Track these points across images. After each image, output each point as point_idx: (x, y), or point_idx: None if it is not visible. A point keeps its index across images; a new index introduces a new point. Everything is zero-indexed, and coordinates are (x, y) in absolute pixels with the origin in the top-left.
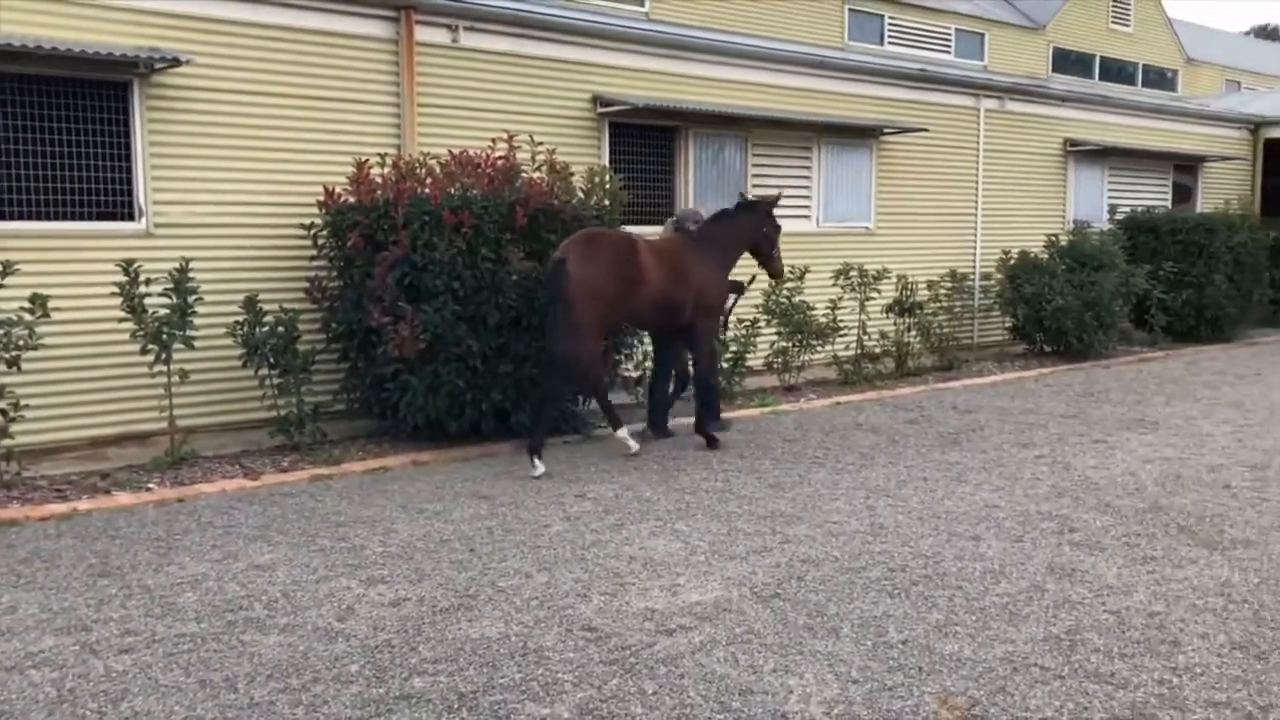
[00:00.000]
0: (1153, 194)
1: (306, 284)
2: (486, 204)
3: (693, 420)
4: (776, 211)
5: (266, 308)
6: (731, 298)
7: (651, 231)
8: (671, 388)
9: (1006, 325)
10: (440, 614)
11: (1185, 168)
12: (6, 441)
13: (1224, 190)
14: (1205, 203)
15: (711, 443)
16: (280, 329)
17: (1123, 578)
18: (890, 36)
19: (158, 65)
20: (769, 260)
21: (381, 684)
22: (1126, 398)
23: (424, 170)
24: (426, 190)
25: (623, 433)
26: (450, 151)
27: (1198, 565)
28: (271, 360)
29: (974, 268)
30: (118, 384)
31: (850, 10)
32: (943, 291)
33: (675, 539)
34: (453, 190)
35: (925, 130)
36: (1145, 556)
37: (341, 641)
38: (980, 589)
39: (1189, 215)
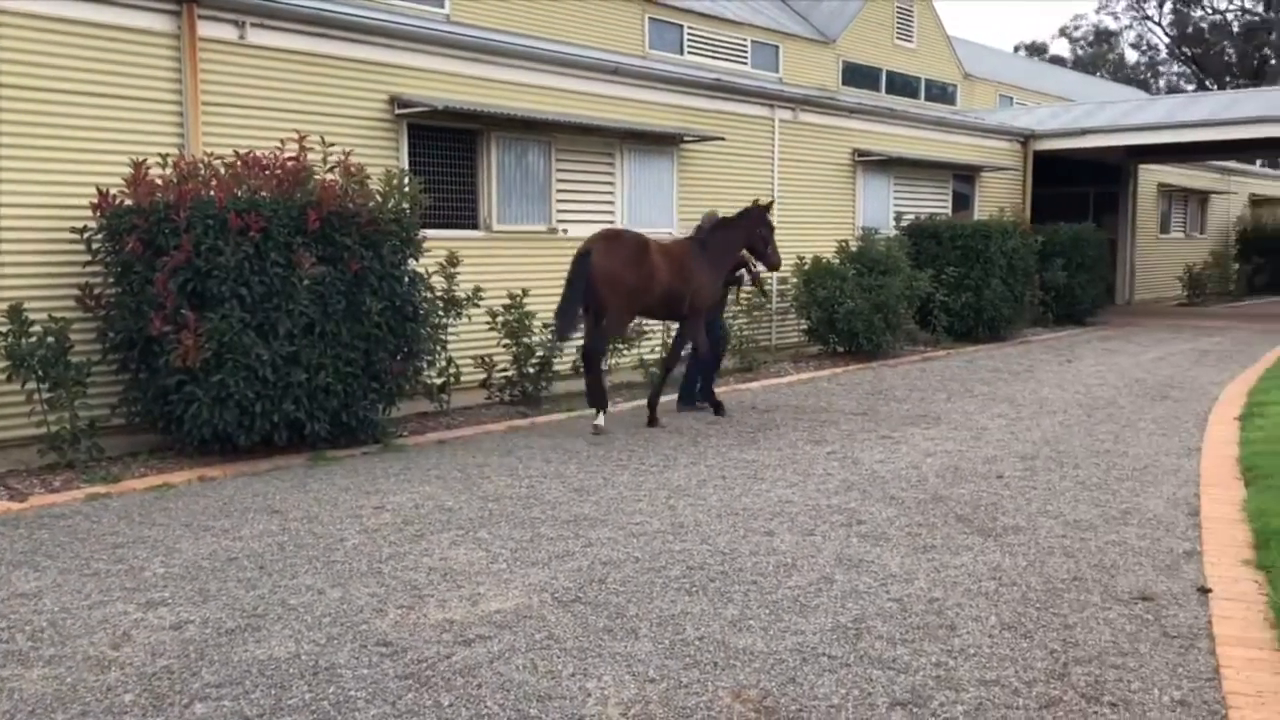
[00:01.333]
0: (935, 202)
1: (78, 291)
2: (276, 206)
3: (675, 398)
4: (580, 217)
5: (34, 316)
6: (733, 289)
7: (455, 235)
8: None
9: (802, 327)
10: (225, 635)
11: (964, 177)
12: None
13: (999, 199)
14: (982, 210)
15: (719, 409)
16: (50, 339)
17: (905, 566)
18: (690, 46)
19: None
20: (764, 256)
21: (159, 712)
22: (911, 395)
23: (209, 171)
24: (211, 192)
25: (600, 419)
26: (237, 153)
27: (973, 552)
28: (40, 373)
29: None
30: None
31: (651, 19)
32: (743, 295)
33: (477, 547)
34: (240, 192)
35: (723, 139)
36: (926, 545)
37: (115, 670)
38: (774, 583)
39: (967, 222)
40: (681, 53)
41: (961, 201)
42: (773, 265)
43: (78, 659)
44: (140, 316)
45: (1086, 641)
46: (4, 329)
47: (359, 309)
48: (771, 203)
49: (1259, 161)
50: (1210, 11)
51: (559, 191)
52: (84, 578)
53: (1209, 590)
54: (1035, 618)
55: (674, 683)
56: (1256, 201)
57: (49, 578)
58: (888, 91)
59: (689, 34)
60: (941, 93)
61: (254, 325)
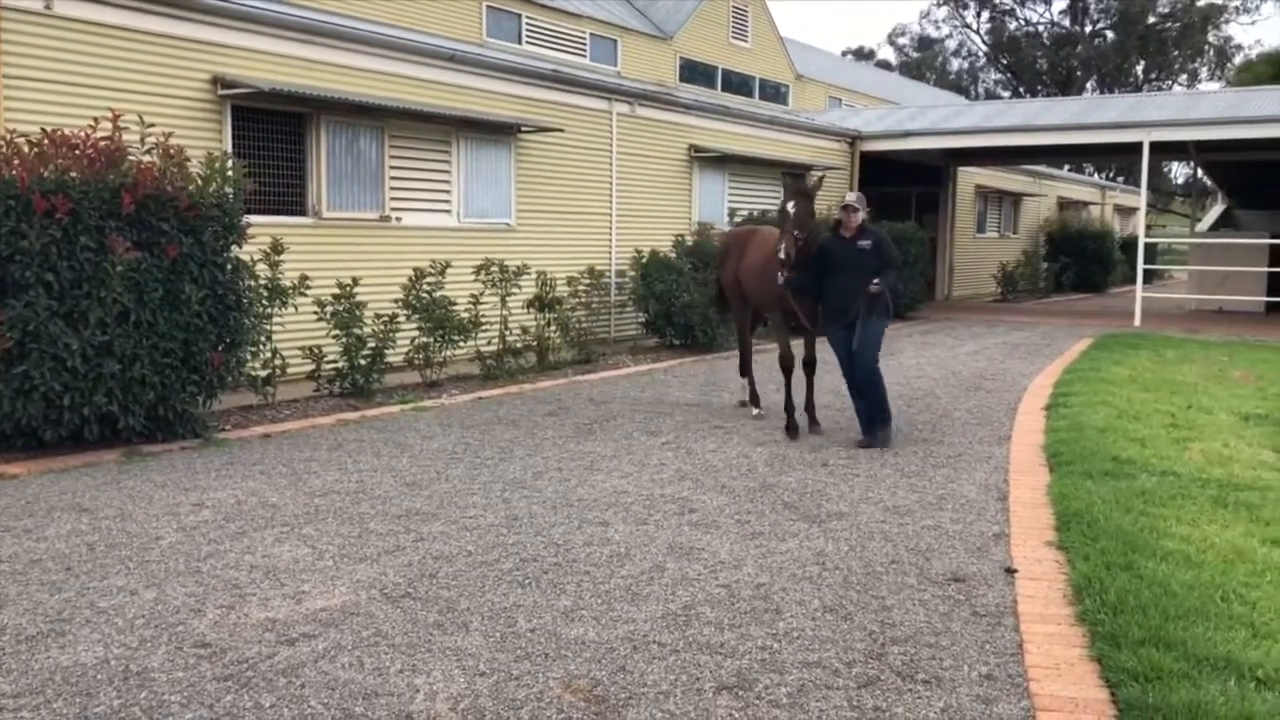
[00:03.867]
0: (768, 198)
1: None
2: (87, 188)
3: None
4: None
5: None
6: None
7: (282, 221)
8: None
9: (640, 320)
10: (25, 642)
11: (796, 175)
12: None
13: (829, 197)
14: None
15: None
16: None
17: (734, 553)
18: (528, 36)
19: None
20: None
21: None
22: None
23: (10, 149)
24: (14, 172)
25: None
26: (44, 130)
27: (799, 538)
28: None
29: (610, 265)
30: None
31: (488, 7)
32: (581, 288)
33: (302, 544)
34: (46, 172)
35: (562, 130)
36: (755, 532)
37: None
38: (607, 573)
39: None
40: (520, 42)
41: None
42: None
43: None
44: None
45: (903, 622)
46: None
47: (178, 297)
48: (821, 180)
49: (1066, 166)
50: (1024, 23)
51: (393, 179)
52: None
53: (1015, 570)
54: (856, 600)
55: (505, 675)
56: (1064, 204)
57: None
58: (724, 89)
59: (527, 24)
60: (775, 92)
61: (62, 313)
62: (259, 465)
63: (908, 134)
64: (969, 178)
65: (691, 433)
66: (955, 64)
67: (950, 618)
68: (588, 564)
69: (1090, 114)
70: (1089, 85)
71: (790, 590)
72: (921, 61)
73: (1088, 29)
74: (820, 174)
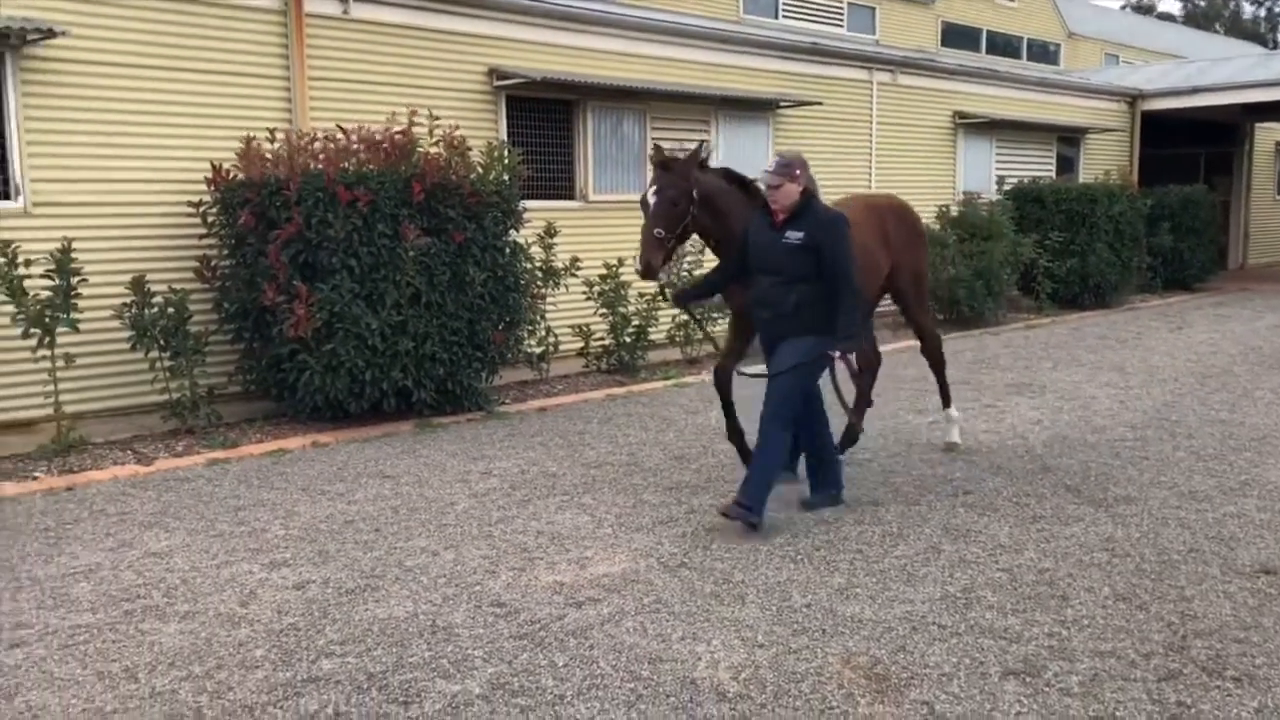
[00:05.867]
0: (1038, 165)
1: (196, 263)
2: (383, 179)
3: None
4: None
5: (155, 288)
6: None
7: (553, 206)
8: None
9: None
10: (346, 595)
11: (1068, 139)
12: None
13: (1104, 161)
14: (1086, 173)
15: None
16: (170, 310)
17: (1014, 536)
18: (785, 11)
19: (31, 37)
20: None
21: (288, 667)
22: (1016, 363)
23: (317, 145)
24: (320, 166)
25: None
26: (340, 126)
27: (1084, 523)
28: (162, 342)
29: None
30: None
31: None
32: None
33: (582, 512)
34: (347, 165)
35: (820, 103)
36: (1035, 515)
37: (245, 627)
38: (880, 552)
39: (1072, 186)
40: (776, 17)
41: (1066, 164)
42: None
43: (210, 615)
44: (254, 288)
45: (1206, 614)
46: (128, 300)
47: (463, 279)
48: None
49: None
50: None
51: None
52: (210, 538)
53: None
54: (1151, 589)
55: (783, 648)
56: None
57: (178, 538)
58: (988, 52)
59: None
60: (1044, 52)
61: (363, 295)
62: (538, 437)
63: (1195, 90)
64: (1269, 134)
65: (961, 412)
66: (1248, 10)
67: (1261, 612)
68: (859, 543)
69: None
70: None
71: (1077, 576)
72: (1209, 10)
73: None
74: (704, 139)
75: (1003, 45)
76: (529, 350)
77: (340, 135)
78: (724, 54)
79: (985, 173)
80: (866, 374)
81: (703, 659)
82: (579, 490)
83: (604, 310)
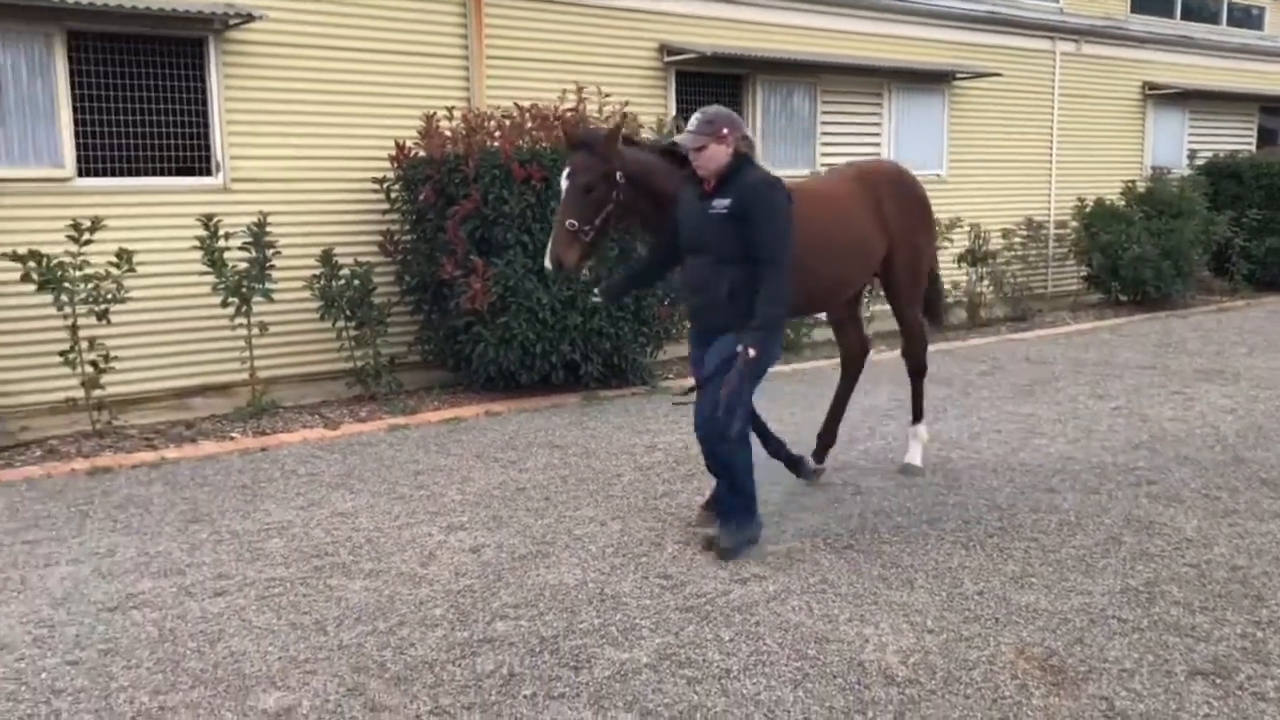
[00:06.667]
0: (1236, 138)
1: (380, 237)
2: (556, 157)
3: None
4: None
5: (341, 261)
6: None
7: None
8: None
9: (1081, 274)
10: (519, 560)
11: (1272, 109)
12: (98, 391)
13: None
14: None
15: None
16: (356, 282)
17: (1203, 531)
18: None
19: (232, 21)
20: None
21: (465, 627)
22: (1206, 348)
23: (493, 123)
24: (496, 143)
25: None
26: (516, 104)
27: None
28: (348, 312)
29: (1049, 215)
30: (200, 336)
31: None
32: (1016, 240)
33: None
34: (521, 143)
35: (999, 75)
36: (1226, 510)
37: (425, 586)
38: (1057, 541)
39: (1274, 160)
40: None
41: (1268, 137)
42: None
43: (392, 574)
44: (433, 262)
45: None
46: (317, 272)
47: (630, 255)
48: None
49: None
50: None
51: (824, 134)
52: (391, 500)
53: None
54: None
55: (954, 635)
56: None
57: (362, 499)
58: (1183, 17)
59: None
60: (1245, 16)
61: (535, 271)
62: None
63: None
64: None
65: (1145, 398)
66: None
67: None
68: (1034, 530)
69: None
70: None
71: (1274, 575)
72: None
73: None
74: (622, 105)
75: (1199, 10)
76: None
77: (517, 112)
78: (897, 24)
79: (1176, 146)
80: (844, 379)
81: (870, 641)
82: None
83: None
